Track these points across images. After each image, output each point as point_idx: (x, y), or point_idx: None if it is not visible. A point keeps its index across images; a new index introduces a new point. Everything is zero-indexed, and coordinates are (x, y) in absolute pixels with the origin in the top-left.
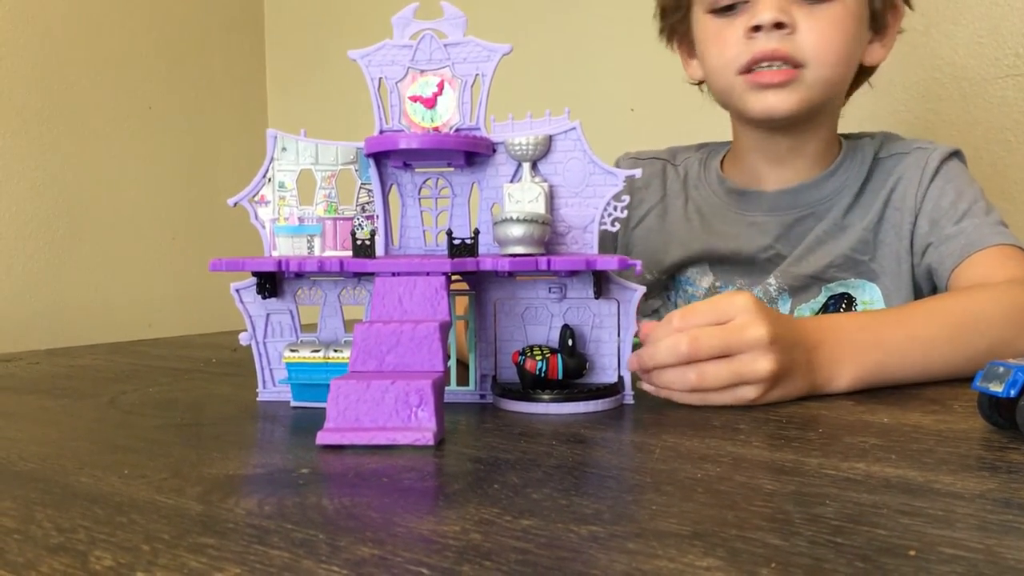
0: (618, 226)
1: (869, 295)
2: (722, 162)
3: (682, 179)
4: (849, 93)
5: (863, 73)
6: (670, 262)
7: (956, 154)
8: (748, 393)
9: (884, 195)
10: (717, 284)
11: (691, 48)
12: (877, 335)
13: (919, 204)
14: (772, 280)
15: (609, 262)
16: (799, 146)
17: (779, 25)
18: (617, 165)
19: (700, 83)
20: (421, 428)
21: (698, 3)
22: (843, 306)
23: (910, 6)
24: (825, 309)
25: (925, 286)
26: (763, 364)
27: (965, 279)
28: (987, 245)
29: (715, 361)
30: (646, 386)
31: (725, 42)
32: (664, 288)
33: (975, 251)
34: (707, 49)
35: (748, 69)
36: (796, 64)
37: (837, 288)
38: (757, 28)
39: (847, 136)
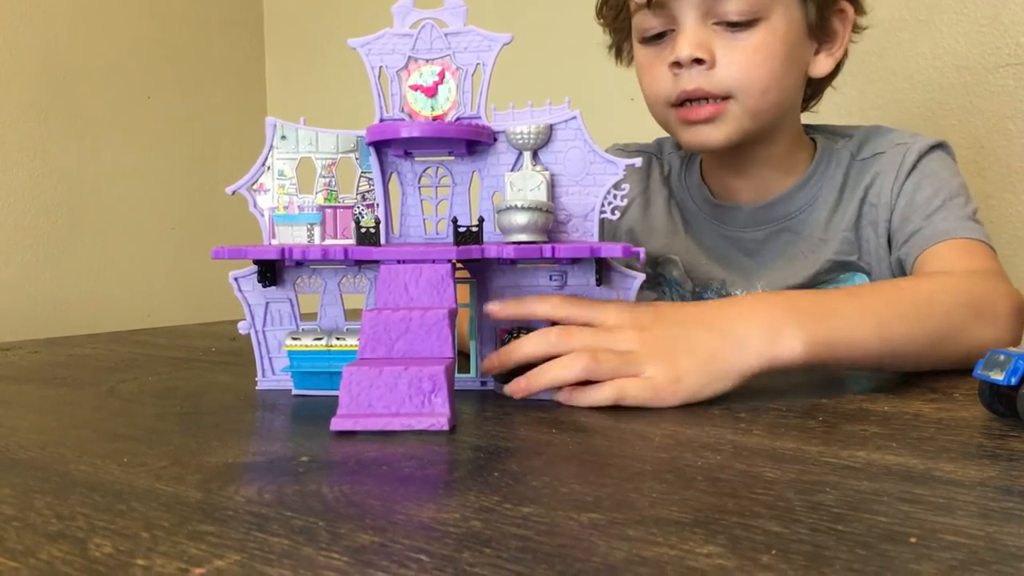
0: (618, 214)
1: (860, 281)
2: (701, 165)
3: (665, 174)
4: (809, 101)
5: (820, 83)
6: (652, 252)
7: (939, 146)
8: (630, 389)
9: (860, 193)
10: (697, 290)
11: (628, 63)
12: (826, 305)
13: (894, 200)
14: (760, 290)
15: (613, 250)
16: (757, 159)
17: (698, 61)
18: None
19: None
20: (435, 414)
21: (633, 30)
22: None
23: (862, 10)
24: None
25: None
26: (627, 335)
27: (925, 268)
28: (951, 237)
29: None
30: (509, 388)
31: (655, 75)
32: (657, 283)
33: (938, 242)
34: (641, 78)
35: (678, 103)
36: (723, 97)
37: (829, 286)
38: (677, 64)
39: (826, 131)
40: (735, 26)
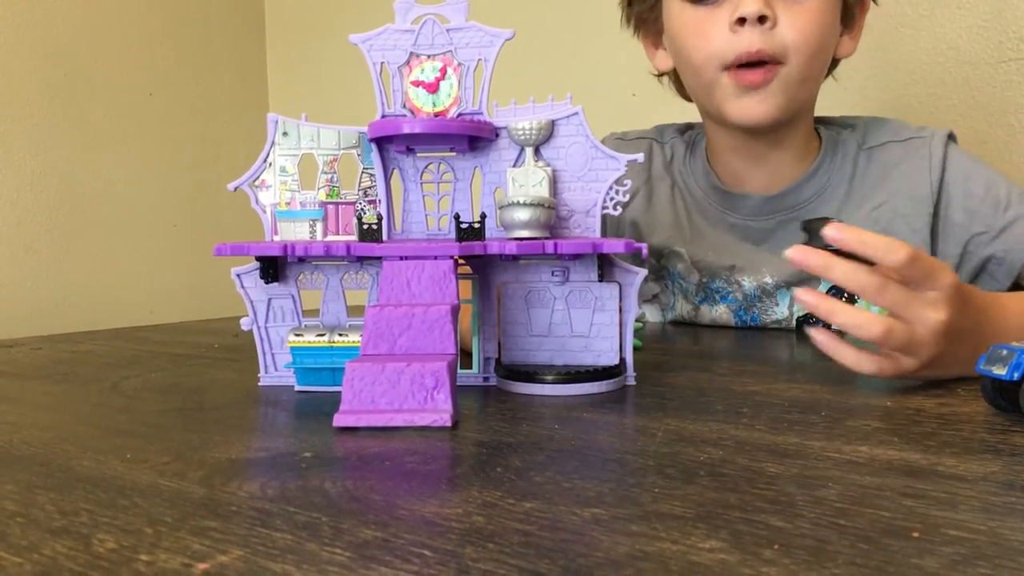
0: (620, 210)
1: None
2: (706, 152)
3: (667, 160)
4: None
5: (831, 67)
6: (656, 245)
7: (951, 136)
8: (907, 364)
9: (887, 186)
10: (704, 279)
11: (656, 38)
12: None
13: (936, 193)
14: (768, 278)
15: (615, 245)
16: (777, 145)
17: (762, 18)
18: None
19: (661, 75)
20: (438, 410)
21: None
22: (844, 297)
23: (875, 1)
24: (838, 292)
25: (964, 274)
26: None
27: None
28: None
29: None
30: (814, 332)
31: (707, 35)
32: (660, 276)
33: None
34: (686, 41)
35: (734, 65)
36: (778, 61)
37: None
38: (741, 21)
39: (825, 122)
40: None
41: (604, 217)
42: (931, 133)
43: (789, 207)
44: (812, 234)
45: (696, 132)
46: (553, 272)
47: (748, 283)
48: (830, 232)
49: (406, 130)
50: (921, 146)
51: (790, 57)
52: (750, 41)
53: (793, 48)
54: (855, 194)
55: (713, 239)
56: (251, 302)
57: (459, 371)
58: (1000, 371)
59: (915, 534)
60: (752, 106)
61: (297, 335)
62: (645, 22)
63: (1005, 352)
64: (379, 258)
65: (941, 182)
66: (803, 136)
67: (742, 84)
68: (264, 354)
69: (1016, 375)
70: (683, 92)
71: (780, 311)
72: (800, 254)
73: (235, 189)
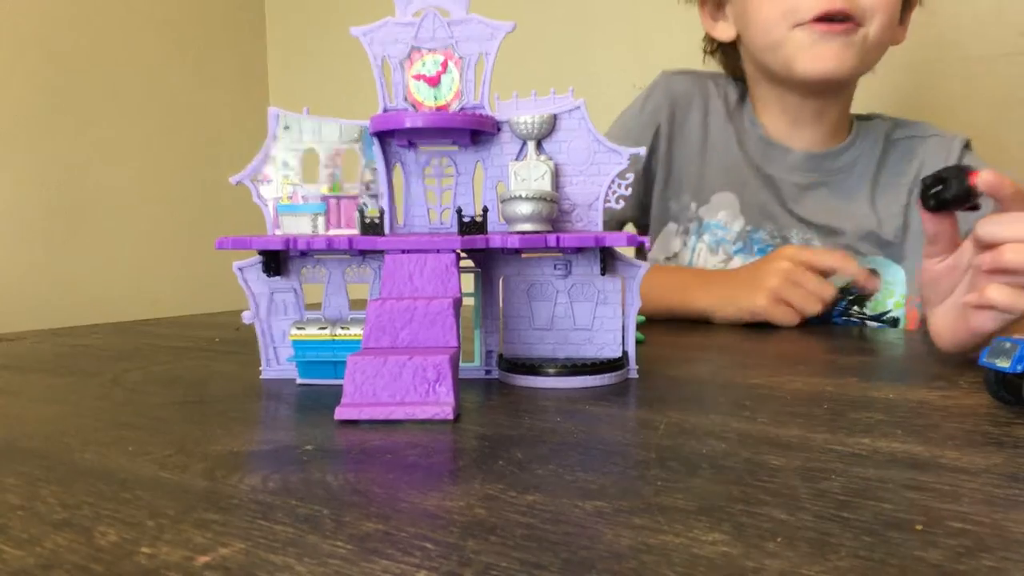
0: (623, 203)
1: (892, 275)
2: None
3: (724, 101)
4: None
5: None
6: (710, 190)
7: (967, 145)
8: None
9: (910, 179)
10: (747, 228)
11: (716, 9)
12: None
13: None
14: (816, 241)
15: (618, 239)
16: (823, 113)
17: None
18: (655, 84)
19: (713, 51)
20: (440, 403)
21: None
22: (852, 296)
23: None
24: (847, 291)
25: None
26: None
27: None
28: None
29: None
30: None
31: None
32: (686, 232)
33: None
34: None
35: (812, 20)
36: (858, 22)
37: (865, 263)
38: None
39: (856, 115)
40: None
41: (649, 160)
42: (952, 135)
43: (825, 170)
44: (946, 182)
45: (741, 85)
46: (555, 265)
47: (796, 239)
48: (988, 177)
49: (408, 124)
50: (941, 147)
51: (869, 19)
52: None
53: (873, 10)
54: (880, 177)
55: (755, 189)
56: (253, 295)
57: (461, 364)
58: (1004, 363)
59: (918, 526)
60: (828, 55)
61: (299, 328)
62: None
63: (1009, 344)
64: (381, 252)
65: None
66: (844, 110)
67: (823, 30)
68: (266, 347)
69: (1020, 367)
70: (730, 66)
71: None
72: (995, 178)
73: (237, 183)
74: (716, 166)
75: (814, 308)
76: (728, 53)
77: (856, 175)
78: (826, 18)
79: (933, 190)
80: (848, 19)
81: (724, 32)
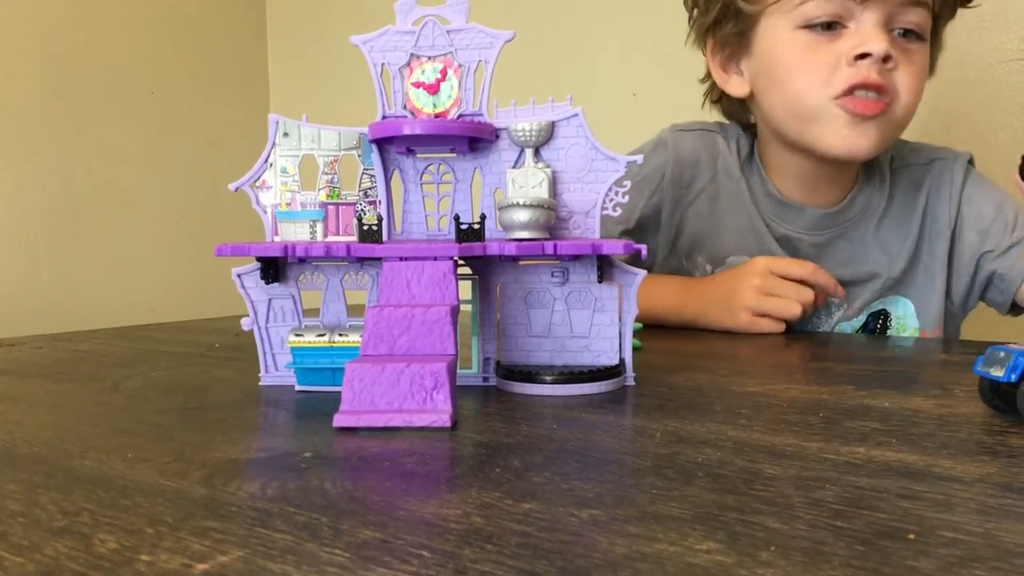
0: (620, 211)
1: (902, 309)
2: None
3: (737, 155)
4: None
5: None
6: (724, 250)
7: (970, 161)
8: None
9: (919, 213)
10: None
11: (730, 62)
12: None
13: (953, 217)
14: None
15: (615, 247)
16: (837, 175)
17: (886, 59)
18: (660, 142)
19: (718, 98)
20: (437, 410)
21: (780, 16)
22: (879, 323)
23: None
24: (864, 328)
25: (970, 296)
26: None
27: None
28: None
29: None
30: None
31: (821, 62)
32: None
33: None
34: (794, 66)
35: (844, 95)
36: (889, 100)
37: (877, 306)
38: (863, 56)
39: None
40: (907, 37)
41: (643, 215)
42: (953, 156)
43: (840, 223)
44: None
45: (751, 138)
46: (553, 273)
47: None
48: None
49: (406, 131)
50: (943, 170)
51: (898, 100)
52: (869, 71)
53: (904, 92)
54: (890, 212)
55: (772, 251)
56: (251, 302)
57: (459, 371)
58: (998, 373)
59: (911, 536)
60: (860, 138)
61: (297, 335)
62: (727, 45)
63: (1003, 354)
64: (379, 259)
65: (959, 207)
66: (857, 170)
67: (857, 111)
68: (264, 354)
69: (1014, 377)
70: (735, 116)
71: (827, 324)
72: None
73: (236, 189)
74: (730, 228)
75: (793, 314)
76: (735, 104)
77: (869, 215)
78: (861, 92)
79: None
80: (881, 95)
81: (737, 88)
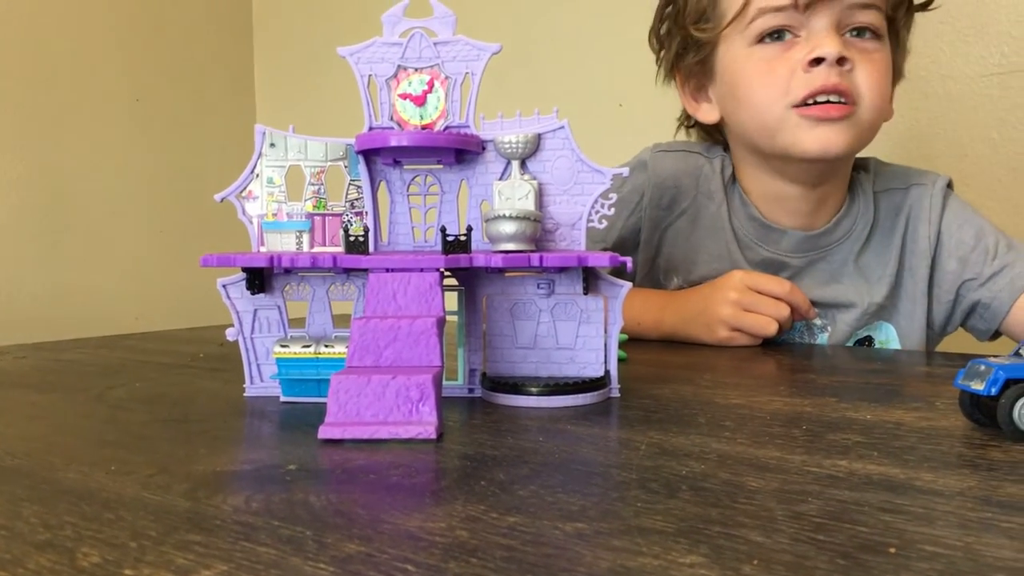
0: (605, 223)
1: (885, 334)
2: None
3: (720, 177)
4: None
5: None
6: (698, 275)
7: (949, 185)
8: None
9: (898, 240)
10: None
11: (698, 92)
12: None
13: (933, 244)
14: (816, 319)
15: (600, 259)
16: (820, 201)
17: (841, 60)
18: (640, 162)
19: (692, 125)
20: (423, 422)
21: (735, 36)
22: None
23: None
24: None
25: (950, 322)
26: None
27: None
28: None
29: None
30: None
31: (777, 73)
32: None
33: None
34: (754, 81)
35: (804, 103)
36: (852, 101)
37: (862, 333)
38: (818, 61)
39: None
40: (863, 36)
41: (622, 232)
42: (932, 181)
43: (822, 246)
44: None
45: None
46: (539, 285)
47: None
48: None
49: (393, 143)
50: (922, 195)
51: (862, 101)
52: (827, 76)
53: (866, 93)
54: (873, 237)
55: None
56: (237, 312)
57: (444, 382)
58: (978, 386)
59: (892, 549)
60: (829, 136)
61: (283, 346)
62: (692, 76)
63: (983, 367)
64: (365, 270)
65: (939, 233)
66: (841, 190)
67: (819, 116)
68: (250, 365)
69: (994, 390)
70: (712, 138)
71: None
72: None
73: (222, 200)
74: (706, 251)
75: (770, 330)
76: (709, 131)
77: (851, 242)
78: (822, 96)
79: None
80: (842, 100)
81: (707, 115)
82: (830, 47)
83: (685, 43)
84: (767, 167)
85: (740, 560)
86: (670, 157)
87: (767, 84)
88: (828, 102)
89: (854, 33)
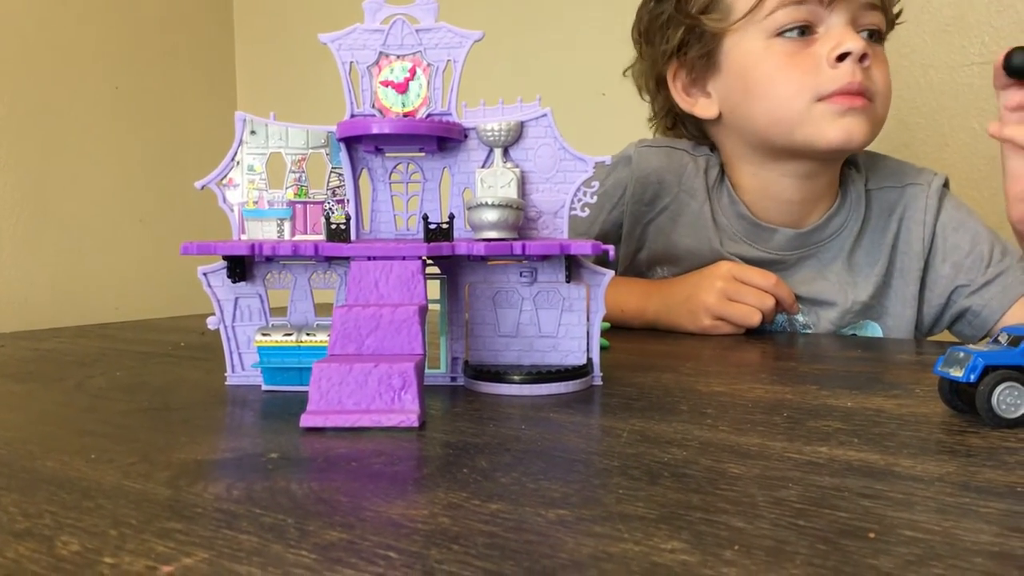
0: (588, 211)
1: (871, 334)
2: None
3: (704, 176)
4: None
5: None
6: (681, 271)
7: (945, 184)
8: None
9: (890, 239)
10: None
11: (697, 86)
12: None
13: (927, 246)
14: (800, 316)
15: (583, 247)
16: (815, 198)
17: (863, 57)
18: (623, 157)
19: (673, 124)
20: (405, 410)
21: (750, 28)
22: None
23: None
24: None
25: (937, 325)
26: None
27: (1018, 319)
28: None
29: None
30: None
31: (802, 67)
32: None
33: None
34: (775, 75)
35: (829, 96)
36: (870, 97)
37: (847, 331)
38: (843, 56)
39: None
40: (872, 38)
41: (604, 225)
42: (927, 180)
43: (812, 243)
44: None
45: (719, 158)
46: (521, 273)
47: (779, 316)
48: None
49: (375, 130)
50: (917, 195)
51: (877, 98)
52: (853, 73)
53: (880, 90)
54: (864, 235)
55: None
56: (218, 301)
57: (427, 371)
58: (957, 373)
59: (871, 535)
60: (853, 125)
61: (264, 334)
62: (691, 69)
63: (962, 355)
64: (347, 258)
65: (933, 236)
66: (833, 184)
67: (845, 106)
68: (231, 353)
69: (972, 377)
70: (697, 134)
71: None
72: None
73: (202, 187)
74: (686, 249)
75: (753, 320)
76: (693, 131)
77: (842, 239)
78: (847, 93)
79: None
80: (863, 93)
81: (705, 110)
82: (855, 43)
83: (689, 34)
84: (766, 163)
85: (721, 545)
86: (654, 153)
87: (790, 78)
88: (851, 95)
89: (864, 34)
